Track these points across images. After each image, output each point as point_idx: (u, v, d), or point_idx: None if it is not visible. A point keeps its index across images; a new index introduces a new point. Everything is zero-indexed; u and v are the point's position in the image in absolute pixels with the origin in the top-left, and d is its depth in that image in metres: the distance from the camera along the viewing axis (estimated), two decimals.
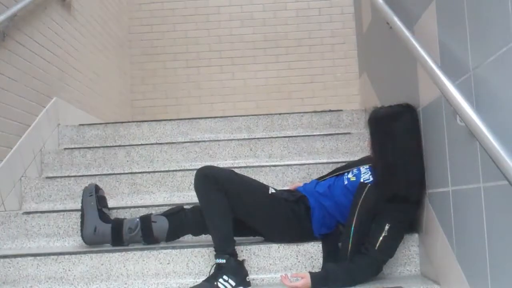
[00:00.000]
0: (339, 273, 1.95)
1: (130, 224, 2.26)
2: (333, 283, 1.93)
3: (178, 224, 2.26)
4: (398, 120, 2.03)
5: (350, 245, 1.99)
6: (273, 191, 2.23)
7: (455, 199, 1.74)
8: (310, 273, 1.94)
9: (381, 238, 1.96)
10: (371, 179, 2.07)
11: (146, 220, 2.27)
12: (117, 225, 2.27)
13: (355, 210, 2.01)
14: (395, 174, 1.99)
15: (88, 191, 2.35)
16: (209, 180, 2.09)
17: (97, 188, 2.38)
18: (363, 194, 2.02)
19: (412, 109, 2.05)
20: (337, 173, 2.27)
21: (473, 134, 1.37)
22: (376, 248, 1.96)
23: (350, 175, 2.17)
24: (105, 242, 2.28)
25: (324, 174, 2.44)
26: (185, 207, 2.33)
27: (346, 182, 2.15)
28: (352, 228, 2.00)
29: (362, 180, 2.09)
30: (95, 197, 2.32)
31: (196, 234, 2.32)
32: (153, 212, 2.36)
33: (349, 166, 2.28)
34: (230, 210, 2.09)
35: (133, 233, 2.25)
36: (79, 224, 2.39)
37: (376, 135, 2.08)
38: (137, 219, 2.28)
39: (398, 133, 2.02)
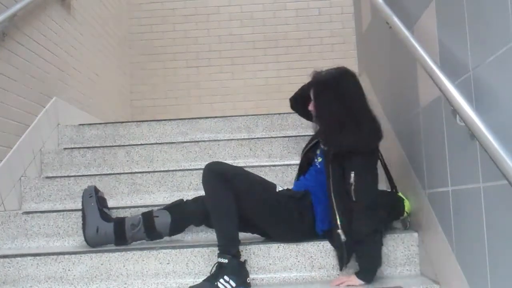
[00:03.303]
0: (364, 252, 2.00)
1: (133, 220, 2.27)
2: (372, 263, 2.00)
3: (180, 216, 2.27)
4: (344, 81, 2.13)
5: (338, 216, 2.02)
6: (280, 189, 2.24)
7: (455, 199, 1.74)
8: (355, 274, 2.00)
9: (353, 188, 2.00)
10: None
11: (148, 216, 2.28)
12: (119, 223, 2.27)
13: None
14: (345, 132, 2.04)
15: (88, 193, 2.35)
16: (218, 177, 2.09)
17: (96, 190, 2.38)
18: (330, 163, 2.06)
19: (352, 72, 2.17)
20: (308, 162, 2.29)
21: (473, 134, 1.37)
22: (355, 200, 2.00)
23: (320, 159, 2.20)
24: (108, 242, 2.28)
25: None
26: (185, 199, 2.34)
27: (319, 167, 2.18)
28: (334, 202, 2.03)
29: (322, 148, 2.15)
30: (95, 198, 2.32)
31: (198, 224, 2.34)
32: None
33: (311, 148, 2.31)
34: (237, 209, 2.08)
35: (135, 229, 2.25)
36: (79, 224, 2.39)
37: (323, 97, 2.12)
38: (139, 216, 2.29)
39: (346, 93, 2.10)
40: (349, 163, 2.02)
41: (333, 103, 2.09)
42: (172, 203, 2.34)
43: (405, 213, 2.27)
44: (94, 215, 2.28)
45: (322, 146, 2.18)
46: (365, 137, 2.05)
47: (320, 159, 2.21)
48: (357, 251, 2.03)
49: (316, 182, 2.18)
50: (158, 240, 2.34)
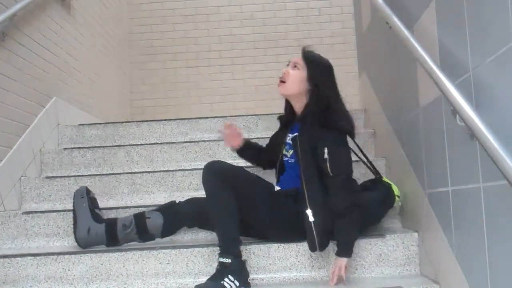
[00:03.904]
0: (342, 226, 2.02)
1: (124, 221, 2.25)
2: (348, 236, 2.02)
3: (172, 218, 2.26)
4: (333, 71, 2.26)
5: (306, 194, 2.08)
6: (278, 188, 2.24)
7: (455, 199, 1.74)
8: (336, 255, 2.02)
9: (328, 164, 2.05)
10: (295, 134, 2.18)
11: (140, 217, 2.26)
12: (111, 224, 2.25)
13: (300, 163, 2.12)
14: (329, 110, 2.15)
15: (80, 194, 2.33)
16: (218, 176, 2.08)
17: (87, 190, 2.36)
18: (298, 145, 2.13)
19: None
20: (279, 158, 2.32)
21: (473, 134, 1.37)
22: (332, 175, 2.04)
23: (290, 152, 2.24)
24: (99, 243, 2.26)
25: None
26: (178, 201, 2.32)
27: (291, 160, 2.22)
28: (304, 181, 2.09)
29: (290, 141, 2.23)
30: (87, 199, 2.31)
31: (190, 226, 2.34)
32: None
33: (275, 142, 2.38)
34: (238, 209, 2.07)
35: (127, 230, 2.24)
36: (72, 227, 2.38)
37: (321, 74, 2.21)
38: (131, 217, 2.27)
39: (335, 81, 2.25)
40: (321, 141, 2.08)
41: (327, 83, 2.21)
42: (164, 204, 2.33)
43: (397, 197, 2.30)
44: (85, 216, 2.26)
45: (289, 136, 2.24)
46: (345, 118, 2.16)
47: (290, 152, 2.23)
48: (336, 226, 2.02)
49: (294, 178, 2.20)
50: (150, 242, 2.32)
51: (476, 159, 1.50)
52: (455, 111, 1.48)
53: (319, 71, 2.22)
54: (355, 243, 2.05)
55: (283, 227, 2.15)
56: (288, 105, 2.33)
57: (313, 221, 2.03)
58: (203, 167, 2.15)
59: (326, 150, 2.05)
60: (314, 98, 2.18)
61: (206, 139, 3.26)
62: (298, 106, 2.25)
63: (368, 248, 2.14)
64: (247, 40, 5.69)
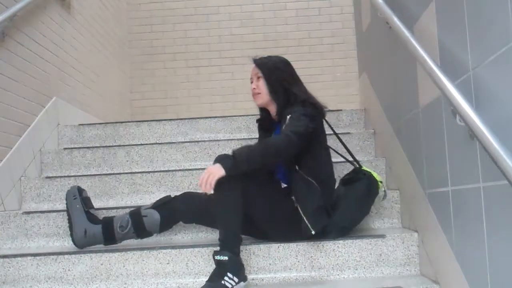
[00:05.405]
0: (245, 149, 2.05)
1: (121, 222, 2.24)
2: (245, 156, 2.02)
3: (169, 214, 2.26)
4: (290, 65, 2.44)
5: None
6: (285, 185, 2.26)
7: (455, 199, 1.74)
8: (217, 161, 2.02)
9: (285, 123, 2.15)
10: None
11: (136, 216, 2.25)
12: (108, 224, 2.24)
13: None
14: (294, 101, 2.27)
15: (72, 194, 2.32)
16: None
17: (80, 190, 2.35)
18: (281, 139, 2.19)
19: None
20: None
21: (473, 134, 1.38)
22: (283, 129, 2.14)
23: None
24: (97, 243, 2.26)
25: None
26: (173, 195, 2.32)
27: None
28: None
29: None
30: (80, 199, 2.30)
31: (187, 222, 2.34)
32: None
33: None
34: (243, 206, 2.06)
35: (125, 230, 2.23)
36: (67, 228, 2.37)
37: (276, 76, 2.34)
38: (127, 216, 2.25)
39: (294, 74, 2.41)
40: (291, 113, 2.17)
41: (285, 81, 2.33)
42: (160, 200, 2.30)
43: (379, 183, 2.32)
44: (80, 218, 2.25)
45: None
46: (311, 97, 2.32)
47: None
48: (251, 147, 2.07)
49: (281, 176, 2.25)
50: (149, 242, 2.32)
51: (476, 159, 1.50)
52: (455, 111, 1.48)
53: (269, 66, 2.35)
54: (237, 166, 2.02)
55: (284, 224, 2.15)
56: (264, 115, 2.43)
57: (299, 205, 2.10)
58: (203, 167, 2.15)
59: (288, 117, 2.15)
60: (279, 91, 2.30)
61: (206, 139, 3.26)
62: (274, 110, 2.35)
63: (368, 248, 2.14)
64: (247, 40, 5.69)
